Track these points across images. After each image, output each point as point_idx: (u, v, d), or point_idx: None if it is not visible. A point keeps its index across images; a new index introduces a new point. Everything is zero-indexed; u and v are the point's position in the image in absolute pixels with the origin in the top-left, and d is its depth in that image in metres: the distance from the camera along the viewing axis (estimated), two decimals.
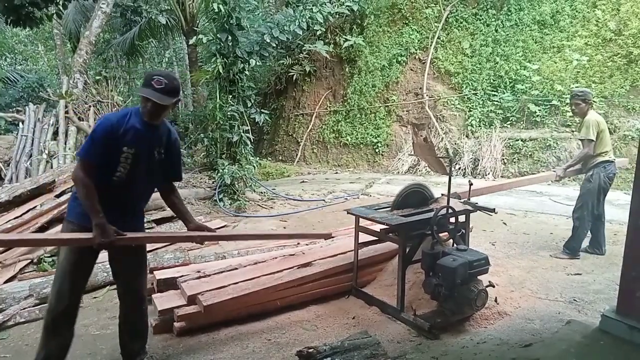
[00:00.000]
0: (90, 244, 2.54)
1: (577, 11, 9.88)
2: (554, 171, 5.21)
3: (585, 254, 4.92)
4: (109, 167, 2.57)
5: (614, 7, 9.45)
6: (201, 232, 2.99)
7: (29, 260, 4.65)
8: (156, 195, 7.07)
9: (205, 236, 3.04)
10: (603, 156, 4.81)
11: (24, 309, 3.78)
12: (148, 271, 3.05)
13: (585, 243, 4.98)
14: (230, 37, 7.61)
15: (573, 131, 8.80)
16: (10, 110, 10.55)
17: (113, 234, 2.54)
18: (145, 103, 2.57)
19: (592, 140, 4.75)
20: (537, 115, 9.56)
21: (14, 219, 5.10)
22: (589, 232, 4.96)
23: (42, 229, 4.95)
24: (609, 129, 8.53)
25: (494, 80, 10.34)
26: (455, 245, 3.60)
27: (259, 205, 7.79)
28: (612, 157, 4.89)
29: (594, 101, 8.73)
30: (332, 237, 4.41)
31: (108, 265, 4.53)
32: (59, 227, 4.49)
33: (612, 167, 4.83)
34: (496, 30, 10.60)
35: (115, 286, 4.48)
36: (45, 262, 4.70)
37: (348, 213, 3.99)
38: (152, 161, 2.70)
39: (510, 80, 10.15)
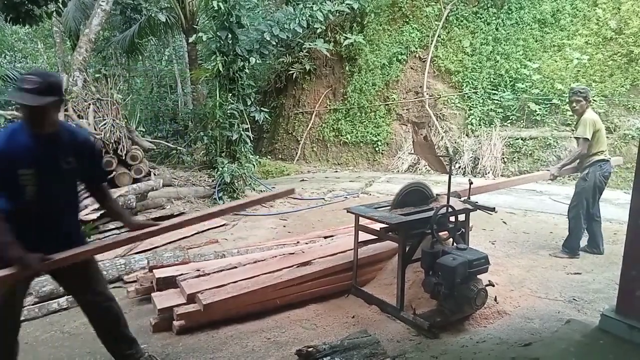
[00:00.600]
0: (16, 279, 2.33)
1: (577, 10, 9.87)
2: (548, 170, 5.19)
3: (585, 253, 4.92)
4: (14, 192, 2.32)
5: (614, 5, 9.44)
6: (145, 229, 2.77)
7: None
8: (156, 193, 7.04)
9: (151, 232, 2.79)
10: (599, 155, 4.80)
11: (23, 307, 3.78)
12: (102, 276, 2.80)
13: (584, 242, 4.98)
14: (230, 35, 7.60)
15: (573, 130, 8.80)
16: (10, 108, 10.51)
17: (37, 262, 2.28)
18: (22, 110, 2.32)
19: (588, 139, 4.74)
20: (538, 114, 9.55)
21: None
22: (586, 232, 4.95)
23: None
24: (608, 127, 8.64)
25: (494, 79, 10.33)
26: (455, 244, 3.59)
27: None
28: (607, 156, 4.88)
29: (593, 100, 8.77)
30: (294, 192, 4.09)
31: (107, 264, 4.57)
32: None
33: (608, 166, 4.83)
34: (497, 29, 10.58)
35: (114, 285, 4.50)
36: None
37: (348, 212, 3.98)
38: (62, 173, 2.42)
39: (510, 79, 10.14)
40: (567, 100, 5.19)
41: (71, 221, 2.62)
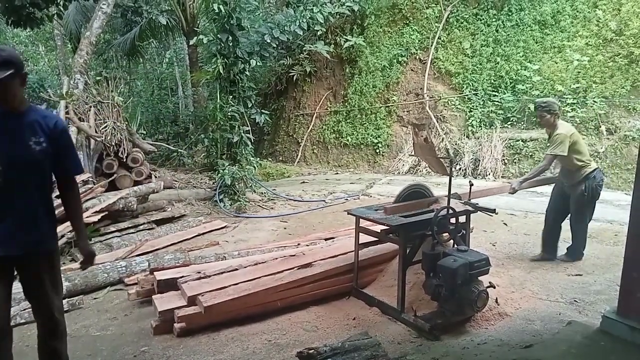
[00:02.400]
0: None
1: (577, 11, 9.87)
2: (509, 183, 5.10)
3: (586, 255, 4.90)
4: None
5: (614, 7, 9.44)
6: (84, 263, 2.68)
7: None
8: (157, 196, 7.05)
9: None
10: (588, 167, 4.68)
11: (24, 309, 3.78)
12: (58, 291, 2.62)
13: (563, 251, 4.93)
14: (230, 38, 7.62)
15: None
16: None
17: None
18: None
19: (565, 155, 4.61)
20: None
21: None
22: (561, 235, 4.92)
23: None
24: (609, 129, 8.63)
25: (494, 81, 10.33)
26: (455, 246, 3.59)
27: (259, 205, 7.79)
28: (595, 165, 4.79)
29: (594, 101, 8.77)
30: None
31: (108, 266, 4.58)
32: (61, 228, 4.50)
33: (600, 175, 4.74)
34: (497, 31, 10.59)
35: (115, 287, 4.52)
36: None
37: (348, 214, 3.98)
38: (29, 153, 2.31)
39: (510, 81, 10.14)
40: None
41: (37, 215, 2.42)
